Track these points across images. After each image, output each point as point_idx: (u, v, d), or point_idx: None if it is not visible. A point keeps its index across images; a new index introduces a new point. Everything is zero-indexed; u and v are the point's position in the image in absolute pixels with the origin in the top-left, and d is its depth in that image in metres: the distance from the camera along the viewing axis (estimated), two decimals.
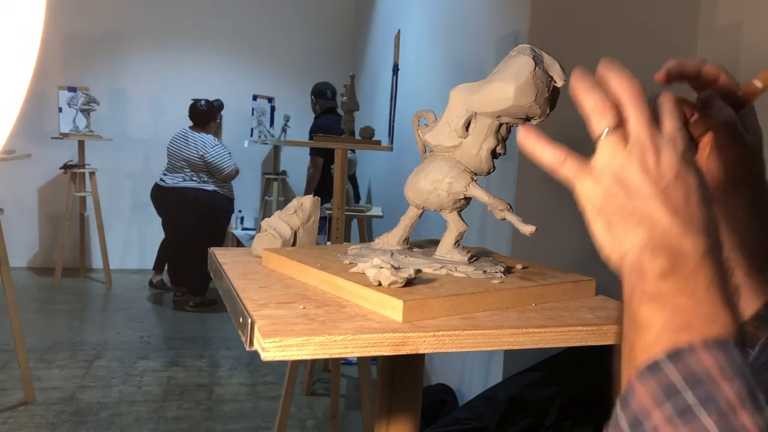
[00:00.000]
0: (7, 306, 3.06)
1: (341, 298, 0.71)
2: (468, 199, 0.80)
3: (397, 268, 0.68)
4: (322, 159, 4.95)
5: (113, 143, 5.76)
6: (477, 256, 0.82)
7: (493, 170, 0.80)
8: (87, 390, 3.44)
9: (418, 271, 0.74)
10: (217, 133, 5.34)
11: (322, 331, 0.60)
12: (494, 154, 0.79)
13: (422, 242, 0.93)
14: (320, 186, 4.99)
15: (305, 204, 1.04)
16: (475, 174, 0.80)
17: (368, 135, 2.67)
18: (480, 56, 2.90)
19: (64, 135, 5.38)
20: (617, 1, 2.27)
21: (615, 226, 0.52)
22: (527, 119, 0.75)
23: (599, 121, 0.55)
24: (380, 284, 0.68)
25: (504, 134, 0.78)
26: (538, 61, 0.74)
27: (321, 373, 3.79)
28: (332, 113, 4.96)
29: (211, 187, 5.02)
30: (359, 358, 2.92)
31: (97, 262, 6.03)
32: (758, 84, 0.65)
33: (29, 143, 5.41)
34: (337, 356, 0.61)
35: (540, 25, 2.21)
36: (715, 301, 0.48)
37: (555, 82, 0.74)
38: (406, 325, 0.63)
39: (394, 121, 2.54)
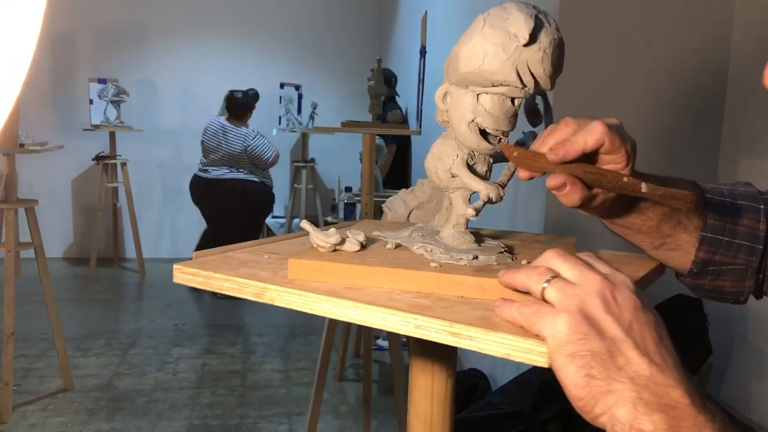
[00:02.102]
0: (44, 296, 3.11)
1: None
2: None
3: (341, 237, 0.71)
4: (395, 146, 4.96)
5: (143, 134, 5.81)
6: (484, 241, 0.76)
7: (495, 146, 0.71)
8: (123, 377, 3.49)
9: (369, 241, 0.74)
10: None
11: (222, 270, 0.68)
12: (483, 130, 0.70)
13: (498, 232, 0.88)
14: (390, 173, 5.01)
15: (425, 184, 1.04)
16: (475, 152, 0.72)
17: (397, 120, 2.65)
18: None
19: (96, 126, 5.44)
20: None
21: (594, 378, 0.50)
22: (521, 90, 0.66)
23: (536, 283, 0.56)
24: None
25: (489, 106, 0.67)
26: (492, 18, 0.64)
27: (353, 359, 3.80)
28: (393, 101, 4.94)
29: (256, 178, 5.08)
30: (390, 343, 2.91)
31: (130, 251, 6.10)
32: (643, 189, 0.65)
33: (62, 135, 5.48)
34: (217, 290, 0.67)
35: (570, 2, 2.16)
36: None
37: (518, 41, 0.63)
38: (285, 280, 0.65)
39: (422, 105, 2.52)
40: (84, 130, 5.56)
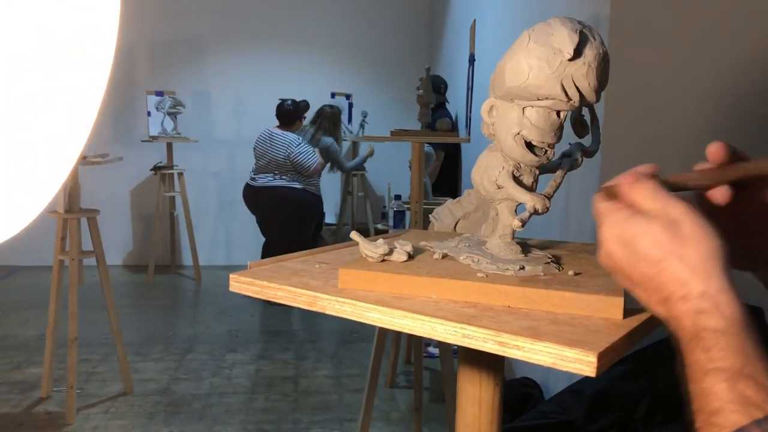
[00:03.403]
0: (105, 302, 3.22)
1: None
2: None
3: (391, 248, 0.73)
4: (443, 153, 4.98)
5: (199, 144, 5.94)
6: (531, 251, 0.77)
7: (541, 158, 0.71)
8: (180, 382, 3.58)
9: (416, 251, 0.76)
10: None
11: (276, 279, 0.71)
12: (529, 142, 0.70)
13: (544, 242, 0.89)
14: (439, 180, 5.03)
15: (472, 194, 1.06)
16: (521, 163, 0.73)
17: (445, 128, 2.66)
18: None
19: (153, 138, 5.60)
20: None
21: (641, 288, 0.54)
22: (567, 103, 0.66)
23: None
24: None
25: (534, 119, 0.68)
26: (537, 34, 0.65)
27: (404, 366, 3.81)
28: (443, 108, 4.96)
29: (299, 185, 5.14)
30: (441, 351, 2.92)
31: (186, 259, 6.24)
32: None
33: (121, 147, 5.66)
34: (271, 299, 0.71)
35: (621, 6, 2.14)
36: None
37: (563, 56, 0.63)
38: (336, 290, 0.68)
39: (471, 113, 2.52)
40: (142, 141, 5.72)
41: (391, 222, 2.67)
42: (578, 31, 0.64)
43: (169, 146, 5.72)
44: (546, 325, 0.59)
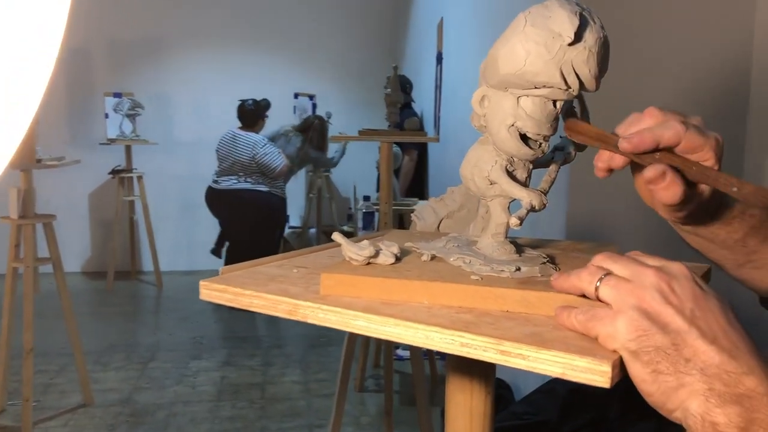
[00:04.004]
0: (62, 310, 3.10)
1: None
2: None
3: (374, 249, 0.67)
4: (416, 152, 4.93)
5: (159, 147, 5.82)
6: (524, 251, 0.73)
7: (536, 151, 0.67)
8: (143, 391, 3.47)
9: (402, 253, 0.70)
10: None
11: (251, 286, 0.64)
12: (523, 134, 0.66)
13: (533, 240, 0.84)
14: (412, 181, 4.99)
15: (456, 192, 1.01)
16: (514, 157, 0.68)
17: (414, 127, 2.62)
18: None
19: (112, 141, 5.46)
20: None
21: (662, 373, 0.48)
22: (565, 91, 0.62)
23: (588, 283, 0.54)
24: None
25: (529, 110, 0.64)
26: (533, 17, 0.60)
27: (372, 370, 3.76)
28: (409, 107, 4.92)
29: (264, 187, 5.05)
30: (411, 353, 2.88)
31: (147, 264, 6.11)
32: (733, 188, 0.59)
33: (78, 150, 5.50)
34: (246, 308, 0.64)
35: (594, 7, 2.12)
36: None
37: (563, 40, 0.58)
38: (318, 296, 0.62)
39: (439, 111, 2.49)
40: (100, 144, 5.58)
41: (360, 223, 2.62)
42: (578, 14, 0.59)
43: (128, 149, 5.58)
44: (550, 331, 0.54)
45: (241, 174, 5.01)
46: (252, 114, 5.13)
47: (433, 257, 0.70)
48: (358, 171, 6.19)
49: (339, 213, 6.02)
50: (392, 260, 0.67)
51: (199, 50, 6.35)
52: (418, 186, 5.08)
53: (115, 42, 6.16)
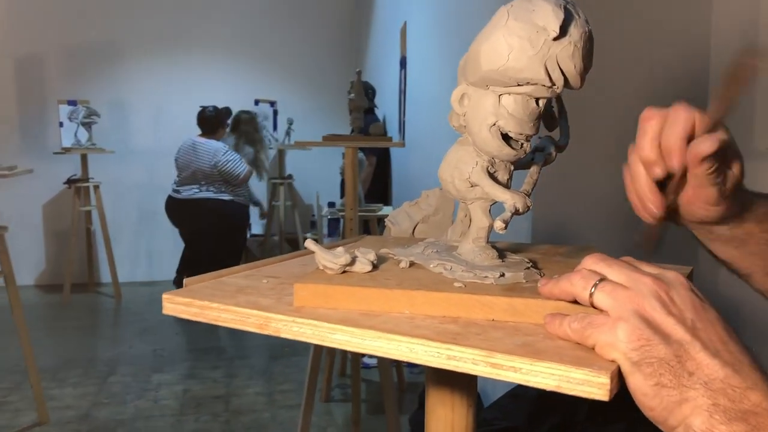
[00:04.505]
0: (15, 325, 2.99)
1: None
2: None
3: (352, 257, 0.63)
4: (375, 157, 4.88)
5: (116, 155, 5.70)
6: (506, 255, 0.70)
7: (518, 152, 0.64)
8: (102, 407, 3.36)
9: (384, 260, 0.67)
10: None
11: (218, 299, 0.60)
12: (505, 134, 0.63)
13: (512, 245, 0.81)
14: (370, 186, 4.93)
15: (431, 197, 0.97)
16: (495, 158, 0.65)
17: (379, 132, 2.59)
18: None
19: (66, 149, 5.31)
20: None
21: (665, 387, 0.45)
22: (549, 89, 0.60)
23: (582, 289, 0.51)
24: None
25: (511, 108, 0.61)
26: (516, 10, 0.57)
27: (338, 379, 3.71)
28: (372, 113, 4.87)
29: (227, 196, 4.96)
30: (379, 361, 2.84)
31: (105, 276, 5.96)
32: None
33: (31, 159, 5.34)
34: (213, 322, 0.60)
35: None
36: None
37: (548, 34, 0.56)
38: (291, 308, 0.58)
39: (404, 116, 2.46)
40: (54, 153, 5.43)
41: (325, 230, 2.58)
42: (562, 7, 0.57)
43: (84, 158, 5.44)
44: (541, 340, 0.51)
45: (203, 182, 4.92)
46: (212, 121, 5.04)
47: (412, 264, 0.67)
48: (320, 178, 6.14)
49: (302, 220, 5.95)
50: (369, 268, 0.64)
51: (157, 56, 6.24)
52: (379, 191, 5.04)
53: (69, 48, 6.01)
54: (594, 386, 0.45)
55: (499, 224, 0.61)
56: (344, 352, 3.63)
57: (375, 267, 0.65)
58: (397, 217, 0.98)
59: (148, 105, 6.25)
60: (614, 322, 0.48)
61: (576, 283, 0.52)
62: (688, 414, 0.45)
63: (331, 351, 3.39)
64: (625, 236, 2.39)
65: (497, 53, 0.58)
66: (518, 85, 0.60)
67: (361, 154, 4.23)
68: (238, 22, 6.41)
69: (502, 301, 0.56)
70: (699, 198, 0.64)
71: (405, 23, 2.56)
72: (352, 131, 2.70)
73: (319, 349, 2.67)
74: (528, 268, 0.65)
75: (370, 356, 3.77)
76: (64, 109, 5.32)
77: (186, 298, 0.61)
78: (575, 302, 0.53)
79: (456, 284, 0.60)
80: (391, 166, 5.19)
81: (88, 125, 5.35)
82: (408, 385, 3.59)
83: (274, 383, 3.74)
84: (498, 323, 0.56)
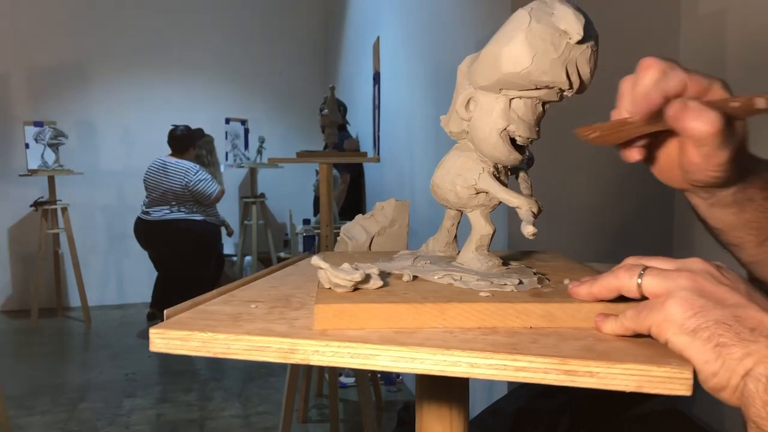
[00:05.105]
0: None
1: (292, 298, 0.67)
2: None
3: (359, 273, 0.60)
4: (349, 175, 4.85)
5: (85, 177, 5.60)
6: (509, 263, 0.69)
7: (523, 157, 0.64)
8: None
9: (387, 275, 0.64)
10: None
11: (221, 329, 0.55)
12: (513, 139, 0.63)
13: (516, 254, 0.79)
14: (346, 203, 4.89)
15: (386, 208, 0.95)
16: (500, 164, 0.65)
17: (354, 147, 2.58)
18: (459, 61, 2.82)
19: (33, 171, 5.21)
20: None
21: (725, 346, 0.45)
22: (561, 93, 0.60)
23: (629, 279, 0.52)
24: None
25: (521, 112, 0.61)
26: (537, 13, 0.57)
27: (315, 399, 3.66)
28: (345, 130, 4.85)
29: (199, 216, 4.89)
30: (357, 380, 2.80)
31: (74, 300, 5.83)
32: (761, 104, 0.54)
33: None
34: (221, 356, 0.54)
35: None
36: None
37: (570, 38, 0.56)
38: (313, 332, 0.54)
39: (379, 131, 2.45)
40: (20, 175, 5.33)
41: (300, 248, 2.54)
42: (579, 10, 0.57)
43: (51, 180, 5.34)
44: (597, 343, 0.50)
45: (173, 203, 4.84)
46: (183, 140, 4.98)
47: (415, 277, 0.65)
48: (293, 196, 6.10)
49: (275, 239, 5.89)
50: (380, 283, 0.61)
51: (127, 75, 6.17)
52: (353, 208, 5.02)
53: (35, 68, 5.92)
54: (677, 382, 0.45)
55: (531, 229, 0.60)
56: (321, 372, 3.58)
57: (385, 283, 0.62)
58: (352, 231, 0.96)
59: (118, 125, 6.17)
60: (667, 299, 0.48)
61: (621, 276, 0.53)
62: (751, 366, 0.44)
63: (308, 371, 3.34)
64: (595, 244, 2.39)
65: (520, 56, 0.57)
66: (536, 88, 0.59)
67: (334, 171, 4.23)
68: (208, 41, 6.38)
69: (539, 307, 0.55)
70: (710, 163, 0.60)
71: (378, 38, 2.56)
72: (326, 147, 2.68)
73: (296, 369, 2.62)
74: (535, 274, 0.65)
75: (347, 375, 3.73)
76: (30, 130, 5.21)
77: (182, 331, 0.55)
78: (613, 302, 0.54)
79: (482, 294, 0.58)
80: (365, 183, 5.18)
81: (55, 146, 5.25)
82: (386, 404, 3.56)
83: (250, 405, 3.67)
84: (538, 330, 0.55)
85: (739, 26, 2.03)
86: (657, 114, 0.57)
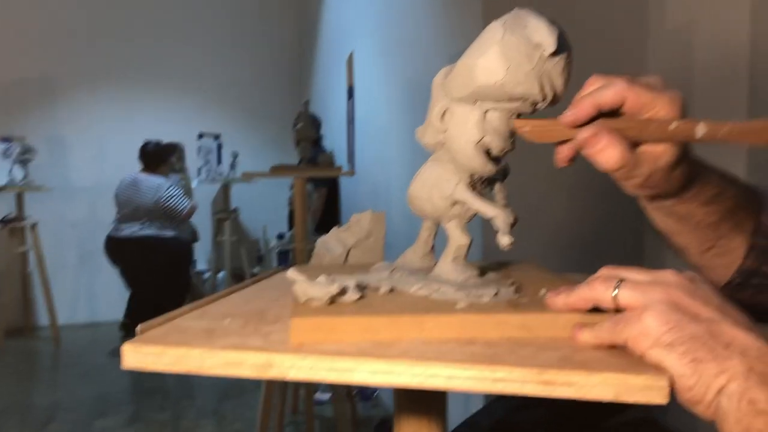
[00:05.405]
0: None
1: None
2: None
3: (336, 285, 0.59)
4: (326, 189, 4.83)
5: (54, 193, 5.53)
6: (486, 274, 0.69)
7: (499, 168, 0.65)
8: None
9: (364, 287, 0.64)
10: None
11: (195, 344, 0.54)
12: (488, 150, 0.64)
13: (492, 265, 0.79)
14: (323, 217, 4.86)
15: (362, 220, 0.94)
16: (475, 175, 0.65)
17: (328, 161, 2.58)
18: (433, 74, 2.83)
19: (1, 188, 5.12)
20: (566, 9, 2.24)
21: (701, 361, 0.46)
22: (534, 105, 0.60)
23: (604, 291, 0.52)
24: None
25: (496, 124, 0.62)
26: (510, 26, 0.58)
27: (291, 416, 3.62)
28: (319, 145, 4.83)
29: (171, 232, 4.83)
30: (334, 396, 2.78)
31: (43, 319, 5.72)
32: (700, 132, 0.55)
33: None
34: (195, 372, 0.53)
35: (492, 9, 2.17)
36: None
37: (543, 50, 0.57)
38: (290, 346, 0.53)
39: (353, 146, 2.45)
40: None
41: (274, 263, 2.52)
42: (552, 23, 0.57)
43: (20, 196, 5.25)
44: (574, 353, 0.51)
45: (145, 220, 4.78)
46: (155, 156, 4.93)
47: (393, 289, 0.64)
48: (267, 211, 6.06)
49: (249, 255, 5.85)
50: (357, 296, 0.60)
51: (97, 90, 6.11)
52: (328, 223, 5.00)
53: (3, 83, 5.83)
54: (654, 391, 0.46)
55: (507, 239, 0.61)
56: (296, 389, 3.55)
57: (362, 295, 0.62)
58: (328, 243, 0.96)
59: (89, 140, 6.09)
60: (642, 312, 0.48)
61: (597, 288, 0.53)
62: (725, 383, 0.45)
63: (283, 387, 3.30)
64: (568, 254, 2.40)
65: (495, 68, 0.58)
66: (510, 100, 0.60)
67: (309, 186, 4.21)
68: (180, 55, 6.34)
69: (516, 318, 0.56)
70: (626, 183, 0.62)
71: (352, 53, 2.56)
72: (301, 161, 2.67)
73: (271, 386, 2.60)
74: (512, 284, 0.65)
75: (323, 391, 3.69)
76: None
77: (155, 346, 0.54)
78: (589, 312, 0.54)
79: (459, 305, 0.58)
80: (340, 197, 5.17)
81: (23, 162, 5.17)
82: (362, 420, 3.53)
83: (225, 423, 3.62)
84: (516, 341, 0.55)
85: (705, 39, 2.07)
86: (585, 123, 0.58)
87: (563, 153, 0.61)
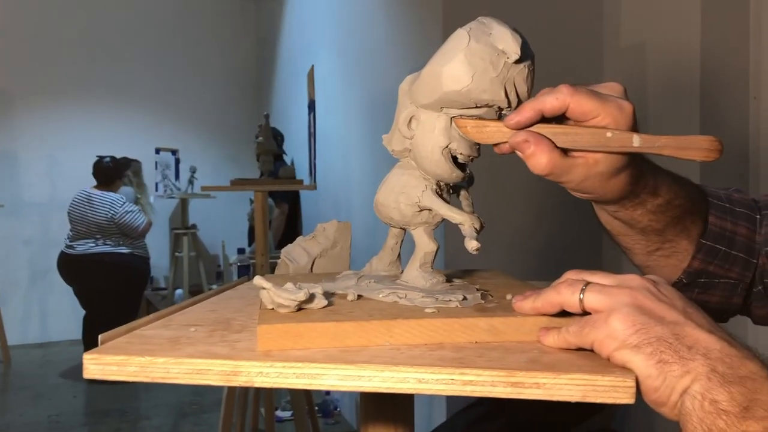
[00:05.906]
0: None
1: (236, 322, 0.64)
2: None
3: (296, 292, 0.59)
4: (287, 204, 4.79)
5: (6, 209, 5.38)
6: (452, 280, 0.70)
7: (465, 175, 0.66)
8: None
9: (331, 294, 0.64)
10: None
11: (160, 353, 0.52)
12: (455, 156, 0.64)
13: (457, 272, 0.80)
14: (284, 236, 4.81)
15: (328, 229, 0.94)
16: (442, 181, 0.66)
17: (290, 175, 2.56)
18: (394, 88, 2.85)
19: None
20: (523, 25, 2.28)
21: (667, 363, 0.47)
22: (500, 111, 0.61)
23: (570, 294, 0.53)
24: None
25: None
26: (476, 33, 0.59)
27: None
28: (281, 160, 4.80)
29: (125, 249, 4.74)
30: (295, 413, 2.75)
31: None
32: (636, 142, 0.57)
33: None
34: (159, 380, 0.52)
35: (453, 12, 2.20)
36: None
37: (508, 57, 0.58)
38: (257, 353, 0.53)
39: (315, 159, 2.44)
40: None
41: (235, 277, 2.49)
42: (516, 31, 0.59)
43: None
44: (542, 355, 0.51)
45: (98, 236, 4.68)
46: (109, 172, 4.84)
47: (360, 296, 0.64)
48: (226, 227, 6.00)
49: (207, 271, 5.76)
50: (325, 303, 0.60)
51: (51, 104, 5.99)
52: (289, 237, 4.97)
53: None
54: (620, 391, 0.46)
55: (474, 244, 0.61)
56: (256, 406, 3.50)
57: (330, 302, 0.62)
58: (293, 253, 0.95)
59: (41, 155, 5.96)
60: (608, 315, 0.49)
61: (563, 291, 0.53)
62: (689, 384, 0.46)
63: (243, 405, 3.25)
64: (529, 262, 2.43)
65: (461, 75, 0.59)
66: (476, 107, 0.60)
67: (270, 201, 4.18)
68: (136, 70, 6.26)
69: (484, 322, 0.56)
70: (564, 185, 0.63)
71: (312, 67, 2.56)
72: (262, 175, 2.65)
73: (231, 404, 2.55)
74: (478, 290, 0.65)
75: (283, 409, 3.65)
76: None
77: (118, 356, 0.52)
78: (555, 316, 0.55)
79: (428, 311, 0.59)
80: (301, 212, 5.15)
81: None
82: None
83: None
84: (484, 344, 0.55)
85: (657, 58, 2.13)
86: (527, 127, 0.59)
87: (501, 150, 0.63)
